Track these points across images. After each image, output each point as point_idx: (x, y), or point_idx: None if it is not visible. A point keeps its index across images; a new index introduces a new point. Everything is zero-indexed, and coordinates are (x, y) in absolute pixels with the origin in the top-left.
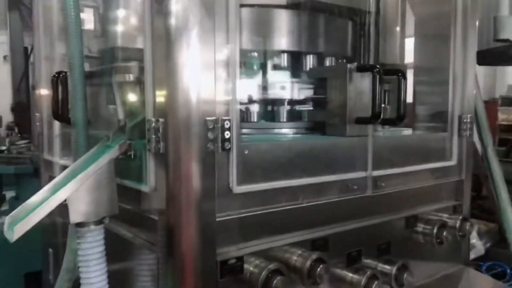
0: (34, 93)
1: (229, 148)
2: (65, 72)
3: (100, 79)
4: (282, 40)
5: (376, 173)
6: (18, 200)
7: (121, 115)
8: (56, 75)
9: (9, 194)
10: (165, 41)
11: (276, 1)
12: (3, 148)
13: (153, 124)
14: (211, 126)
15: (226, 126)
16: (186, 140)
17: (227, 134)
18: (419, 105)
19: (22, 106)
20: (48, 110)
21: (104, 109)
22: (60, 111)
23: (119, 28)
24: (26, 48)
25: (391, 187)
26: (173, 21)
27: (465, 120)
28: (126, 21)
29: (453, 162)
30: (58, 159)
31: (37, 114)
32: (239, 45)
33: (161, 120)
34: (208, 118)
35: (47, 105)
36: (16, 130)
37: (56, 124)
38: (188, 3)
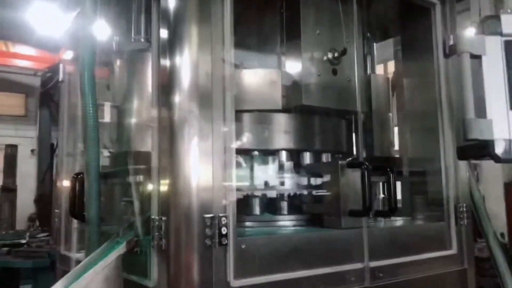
0: (56, 188)
1: (226, 243)
2: (81, 174)
3: (114, 179)
4: (280, 140)
5: (373, 264)
6: None
7: (129, 213)
8: (75, 176)
9: (25, 287)
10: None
11: (273, 106)
12: (23, 241)
13: (157, 222)
14: (209, 223)
15: (223, 223)
16: (186, 237)
17: (224, 230)
18: (416, 195)
19: (45, 198)
20: (66, 206)
21: (117, 205)
22: (76, 209)
23: (132, 129)
24: (52, 144)
25: (390, 278)
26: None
27: (461, 209)
28: (138, 116)
29: (453, 251)
30: (74, 254)
31: (56, 210)
32: (236, 145)
33: (163, 218)
34: (206, 216)
35: (65, 202)
36: (37, 222)
37: (74, 220)
38: (188, 99)
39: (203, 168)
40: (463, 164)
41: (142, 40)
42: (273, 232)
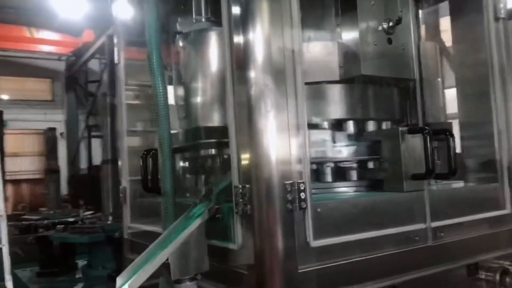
0: (108, 167)
1: (305, 207)
2: (153, 150)
3: (185, 154)
4: (339, 110)
5: (435, 224)
6: (90, 268)
7: (201, 185)
8: (145, 153)
9: (80, 263)
10: (246, 107)
11: (331, 77)
12: (71, 219)
13: (240, 190)
14: (289, 189)
15: (301, 188)
16: (269, 202)
17: (302, 195)
18: (467, 158)
19: (77, 179)
20: (130, 182)
21: (188, 179)
22: (150, 184)
23: (200, 106)
24: (88, 126)
25: (450, 237)
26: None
27: None
28: (207, 96)
29: (507, 210)
30: (141, 226)
31: (122, 186)
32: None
33: (247, 186)
34: (286, 182)
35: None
36: (81, 202)
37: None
38: (263, 74)
39: (281, 140)
40: None
41: (203, 20)
42: (341, 198)
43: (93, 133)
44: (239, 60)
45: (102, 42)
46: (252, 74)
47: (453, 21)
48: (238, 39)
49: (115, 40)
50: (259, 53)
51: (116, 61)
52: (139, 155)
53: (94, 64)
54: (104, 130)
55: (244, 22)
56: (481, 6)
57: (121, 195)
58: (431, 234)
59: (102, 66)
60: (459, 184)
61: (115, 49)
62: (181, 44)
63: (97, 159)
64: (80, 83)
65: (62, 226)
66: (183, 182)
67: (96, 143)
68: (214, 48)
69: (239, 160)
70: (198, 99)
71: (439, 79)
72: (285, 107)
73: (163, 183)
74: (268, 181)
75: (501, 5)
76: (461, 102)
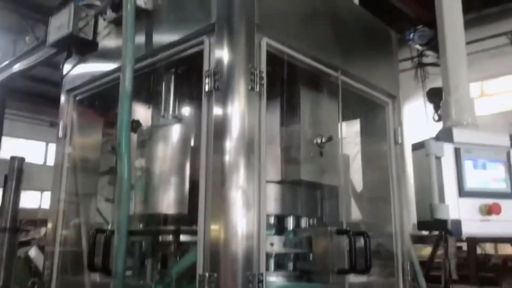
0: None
1: None
2: (105, 230)
3: (140, 237)
4: (280, 206)
5: None
6: None
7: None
8: (95, 232)
9: None
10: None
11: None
12: None
13: (207, 278)
14: (252, 280)
15: (261, 279)
16: None
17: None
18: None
19: None
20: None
21: (142, 261)
22: (100, 263)
23: (160, 193)
24: None
25: None
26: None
27: (406, 267)
28: (167, 184)
29: None
30: None
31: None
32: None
33: (214, 275)
34: (249, 273)
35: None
36: None
37: None
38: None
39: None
40: (407, 229)
41: (170, 117)
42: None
43: None
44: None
45: None
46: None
47: (362, 136)
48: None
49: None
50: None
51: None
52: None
53: None
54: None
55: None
56: (385, 132)
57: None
58: None
59: None
60: (370, 277)
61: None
62: (145, 135)
63: None
64: None
65: None
66: (136, 265)
67: None
68: (178, 142)
69: (205, 246)
70: (158, 187)
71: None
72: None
73: (116, 264)
74: (234, 270)
75: (399, 134)
76: (366, 205)
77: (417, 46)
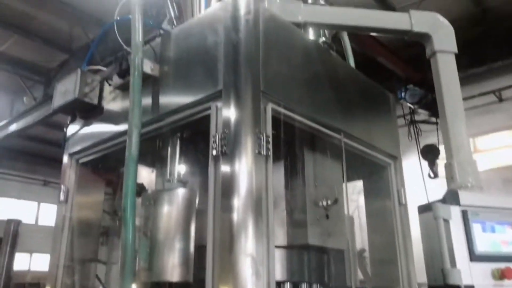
0: None
1: None
2: None
3: None
4: (283, 272)
5: None
6: None
7: None
8: None
9: None
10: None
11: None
12: None
13: None
14: None
15: None
16: None
17: None
18: None
19: None
20: None
21: None
22: None
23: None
24: None
25: None
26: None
27: None
28: (172, 251)
29: None
30: None
31: None
32: None
33: None
34: None
35: None
36: None
37: None
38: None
39: None
40: None
41: (176, 181)
42: None
43: None
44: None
45: None
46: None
47: (366, 197)
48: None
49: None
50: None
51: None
52: None
53: None
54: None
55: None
56: (389, 193)
57: None
58: None
59: None
60: None
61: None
62: (150, 200)
63: None
64: None
65: None
66: None
67: None
68: (183, 206)
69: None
70: (163, 253)
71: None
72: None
73: None
74: None
75: (402, 195)
76: (373, 266)
77: (409, 105)
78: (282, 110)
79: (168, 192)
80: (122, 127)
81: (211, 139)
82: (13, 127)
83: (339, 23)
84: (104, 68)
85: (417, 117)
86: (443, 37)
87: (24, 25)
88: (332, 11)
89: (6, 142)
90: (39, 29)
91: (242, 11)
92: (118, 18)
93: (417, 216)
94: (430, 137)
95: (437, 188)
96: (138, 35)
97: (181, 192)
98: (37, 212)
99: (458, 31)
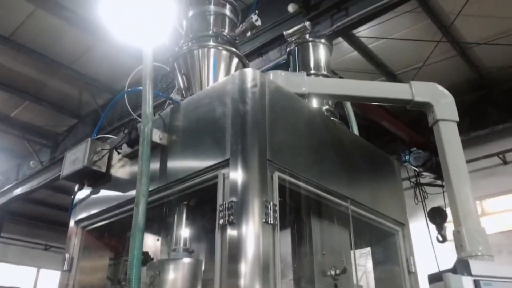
0: None
1: None
2: None
3: None
4: None
5: None
6: None
7: None
8: None
9: None
10: None
11: None
12: None
13: None
14: None
15: None
16: None
17: None
18: None
19: None
20: None
21: None
22: None
23: None
24: None
25: None
26: None
27: None
28: None
29: None
30: None
31: None
32: None
33: None
34: None
35: None
36: None
37: None
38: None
39: None
40: None
41: (181, 250)
42: None
43: None
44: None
45: None
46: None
47: (375, 266)
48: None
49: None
50: None
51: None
52: None
53: None
54: None
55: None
56: (398, 261)
57: None
58: None
59: None
60: None
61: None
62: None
63: None
64: None
65: None
66: None
67: None
68: (189, 275)
69: None
70: None
71: None
72: None
73: None
74: None
75: (412, 263)
76: None
77: (413, 167)
78: (288, 178)
79: (174, 261)
80: (129, 195)
81: (218, 208)
82: (18, 191)
83: (341, 93)
84: (113, 137)
85: (422, 180)
86: (444, 106)
87: (36, 92)
88: (335, 83)
89: (9, 205)
90: (50, 95)
91: (249, 84)
92: (129, 89)
93: (426, 281)
94: (436, 200)
95: (446, 252)
96: (148, 106)
97: (186, 261)
98: (35, 278)
99: (459, 95)
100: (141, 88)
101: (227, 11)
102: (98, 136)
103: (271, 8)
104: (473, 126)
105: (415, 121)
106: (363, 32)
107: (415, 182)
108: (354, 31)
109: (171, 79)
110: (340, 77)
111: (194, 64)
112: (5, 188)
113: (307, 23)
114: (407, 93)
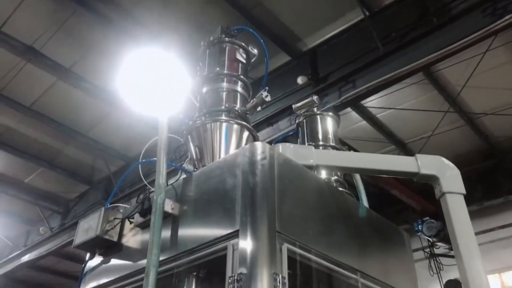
0: None
1: None
2: None
3: None
4: None
5: None
6: None
7: None
8: None
9: None
10: None
11: None
12: None
13: None
14: None
15: None
16: None
17: None
18: None
19: None
20: None
21: None
22: None
23: None
24: None
25: None
26: None
27: None
28: None
29: None
30: None
31: None
32: None
33: None
34: None
35: None
36: None
37: None
38: None
39: None
40: None
41: None
42: None
43: None
44: None
45: None
46: None
47: None
48: None
49: None
50: None
51: None
52: None
53: None
54: None
55: None
56: None
57: None
58: None
59: None
60: None
61: None
62: None
63: None
64: None
65: None
66: None
67: None
68: None
69: None
70: None
71: None
72: None
73: None
74: None
75: None
76: None
77: (427, 237)
78: (298, 250)
79: None
80: (140, 264)
81: (227, 280)
82: (26, 258)
83: (348, 166)
84: (123, 205)
85: (436, 250)
86: (450, 179)
87: (51, 158)
88: (342, 156)
89: (15, 273)
90: (64, 162)
91: (259, 156)
92: (143, 160)
93: None
94: (452, 271)
95: None
96: (161, 177)
97: None
98: None
99: (469, 164)
100: (155, 159)
101: (239, 87)
102: (111, 205)
103: (281, 79)
104: (486, 195)
105: (426, 190)
106: (371, 102)
107: (429, 252)
108: (362, 102)
109: (184, 151)
110: (349, 146)
111: (206, 137)
112: (13, 255)
113: (315, 97)
114: (413, 166)
